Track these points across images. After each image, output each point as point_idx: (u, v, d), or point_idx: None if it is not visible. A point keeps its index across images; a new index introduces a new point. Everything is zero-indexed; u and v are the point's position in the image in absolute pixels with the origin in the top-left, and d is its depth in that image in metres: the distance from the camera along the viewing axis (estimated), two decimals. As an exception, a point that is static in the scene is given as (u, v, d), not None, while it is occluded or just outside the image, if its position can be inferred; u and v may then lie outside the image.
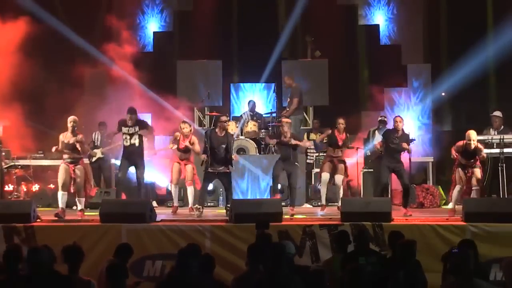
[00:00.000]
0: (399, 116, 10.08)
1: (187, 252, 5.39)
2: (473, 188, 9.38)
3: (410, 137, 10.45)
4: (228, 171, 9.82)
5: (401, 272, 5.11)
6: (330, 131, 10.43)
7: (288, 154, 10.07)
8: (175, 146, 10.24)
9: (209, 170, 9.75)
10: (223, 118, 10.01)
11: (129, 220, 8.53)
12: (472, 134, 9.32)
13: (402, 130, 9.79)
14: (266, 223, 7.24)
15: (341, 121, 10.24)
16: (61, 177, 9.40)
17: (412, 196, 10.99)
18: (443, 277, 5.68)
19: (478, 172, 9.35)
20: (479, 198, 9.28)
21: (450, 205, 9.57)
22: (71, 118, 9.56)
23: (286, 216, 9.08)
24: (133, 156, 9.87)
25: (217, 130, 9.86)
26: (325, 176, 10.30)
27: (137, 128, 9.85)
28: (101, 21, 13.70)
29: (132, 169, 10.11)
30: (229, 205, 9.41)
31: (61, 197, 9.43)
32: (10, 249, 5.43)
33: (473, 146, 9.26)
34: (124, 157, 9.97)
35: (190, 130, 10.21)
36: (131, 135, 9.83)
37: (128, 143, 9.85)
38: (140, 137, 9.89)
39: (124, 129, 9.88)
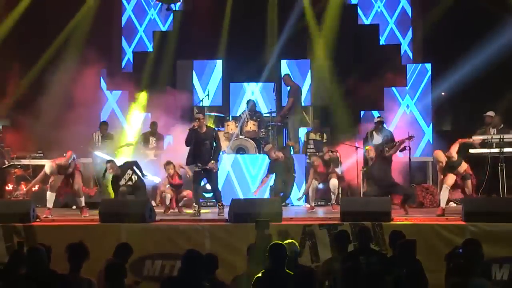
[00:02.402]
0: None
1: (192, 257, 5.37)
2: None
3: (402, 145, 10.59)
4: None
5: (402, 272, 5.11)
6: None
7: (285, 170, 10.39)
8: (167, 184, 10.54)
9: (195, 169, 9.82)
10: (198, 115, 10.10)
11: (128, 219, 8.52)
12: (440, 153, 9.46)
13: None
14: (266, 223, 7.23)
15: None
16: (55, 179, 9.68)
17: (412, 196, 11.03)
18: (446, 277, 5.67)
19: (469, 183, 9.45)
20: (479, 198, 9.27)
21: (441, 204, 9.57)
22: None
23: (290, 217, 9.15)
24: None
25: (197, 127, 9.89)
26: (314, 183, 10.68)
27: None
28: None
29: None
30: (220, 204, 9.59)
31: (51, 197, 9.77)
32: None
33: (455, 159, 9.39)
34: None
35: (174, 170, 10.46)
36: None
37: None
38: None
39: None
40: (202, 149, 9.72)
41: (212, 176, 9.83)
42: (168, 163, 10.48)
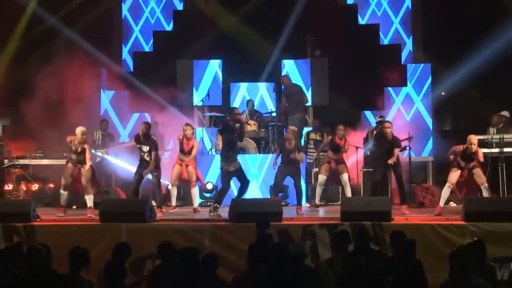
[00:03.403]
0: (389, 121, 10.27)
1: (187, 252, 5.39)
2: (481, 187, 9.40)
3: (403, 144, 10.54)
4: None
5: (402, 272, 5.10)
6: (330, 138, 10.88)
7: (292, 159, 10.16)
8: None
9: (231, 169, 9.65)
10: (237, 110, 10.00)
11: (129, 219, 8.52)
12: (474, 138, 9.42)
13: (392, 135, 9.93)
14: (267, 223, 7.23)
15: (341, 127, 10.74)
16: (65, 176, 9.64)
17: (411, 195, 11.04)
18: (450, 276, 5.66)
19: (478, 171, 9.37)
20: (479, 198, 9.27)
21: (440, 203, 9.58)
22: (82, 130, 9.74)
23: (290, 217, 9.14)
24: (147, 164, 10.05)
25: (231, 123, 9.80)
26: (322, 178, 10.68)
27: (148, 148, 10.01)
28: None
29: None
30: (217, 206, 9.47)
31: (62, 196, 9.68)
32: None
33: (474, 150, 9.34)
34: (138, 167, 10.13)
35: (193, 133, 10.35)
36: (144, 153, 10.02)
37: (142, 158, 10.04)
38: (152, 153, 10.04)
39: (138, 146, 10.09)
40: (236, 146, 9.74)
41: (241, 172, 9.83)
42: (187, 124, 10.41)
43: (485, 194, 9.35)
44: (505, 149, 10.45)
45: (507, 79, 12.91)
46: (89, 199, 9.68)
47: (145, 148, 9.97)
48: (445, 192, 9.48)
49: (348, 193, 10.54)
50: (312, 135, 12.46)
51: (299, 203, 10.23)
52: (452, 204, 10.73)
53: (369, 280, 4.78)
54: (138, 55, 14.43)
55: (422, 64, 13.54)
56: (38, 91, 12.98)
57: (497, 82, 12.88)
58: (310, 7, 13.77)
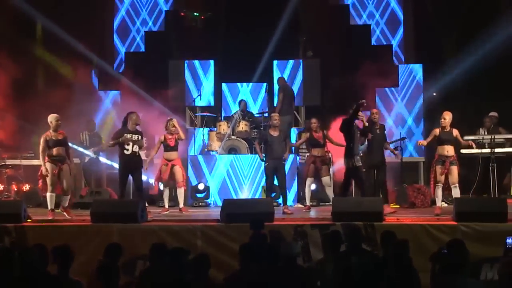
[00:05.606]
0: (375, 108, 10.38)
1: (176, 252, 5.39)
2: (451, 186, 9.39)
3: (395, 144, 10.58)
4: None
5: (394, 272, 5.12)
6: (308, 135, 10.80)
7: (278, 152, 10.09)
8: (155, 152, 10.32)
9: (359, 164, 9.53)
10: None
11: (120, 220, 8.49)
12: (445, 113, 9.43)
13: (379, 121, 10.08)
14: (261, 223, 7.22)
15: (313, 120, 10.69)
16: (49, 178, 9.31)
17: (403, 195, 11.07)
18: (432, 277, 5.69)
19: (455, 170, 9.31)
20: (471, 198, 9.30)
21: (437, 204, 9.57)
22: (55, 116, 9.40)
23: (282, 217, 9.16)
24: (134, 164, 9.74)
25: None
26: (309, 181, 10.68)
27: (139, 137, 9.78)
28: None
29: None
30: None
31: (50, 198, 9.39)
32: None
33: (444, 124, 9.32)
34: (123, 168, 9.74)
35: (175, 126, 10.19)
36: (134, 142, 9.70)
37: (130, 151, 9.67)
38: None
39: (128, 135, 9.71)
40: None
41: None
42: (171, 119, 10.29)
43: (454, 194, 9.31)
44: (496, 150, 10.50)
45: (498, 80, 12.98)
46: (66, 199, 9.47)
47: (136, 137, 9.70)
48: (438, 192, 9.43)
49: (330, 195, 10.44)
50: (304, 135, 12.44)
51: (285, 202, 10.19)
52: (444, 204, 10.75)
53: (361, 280, 4.79)
54: (130, 56, 14.42)
55: (410, 65, 13.61)
56: (30, 91, 12.96)
57: (489, 82, 12.94)
58: (303, 7, 13.79)
